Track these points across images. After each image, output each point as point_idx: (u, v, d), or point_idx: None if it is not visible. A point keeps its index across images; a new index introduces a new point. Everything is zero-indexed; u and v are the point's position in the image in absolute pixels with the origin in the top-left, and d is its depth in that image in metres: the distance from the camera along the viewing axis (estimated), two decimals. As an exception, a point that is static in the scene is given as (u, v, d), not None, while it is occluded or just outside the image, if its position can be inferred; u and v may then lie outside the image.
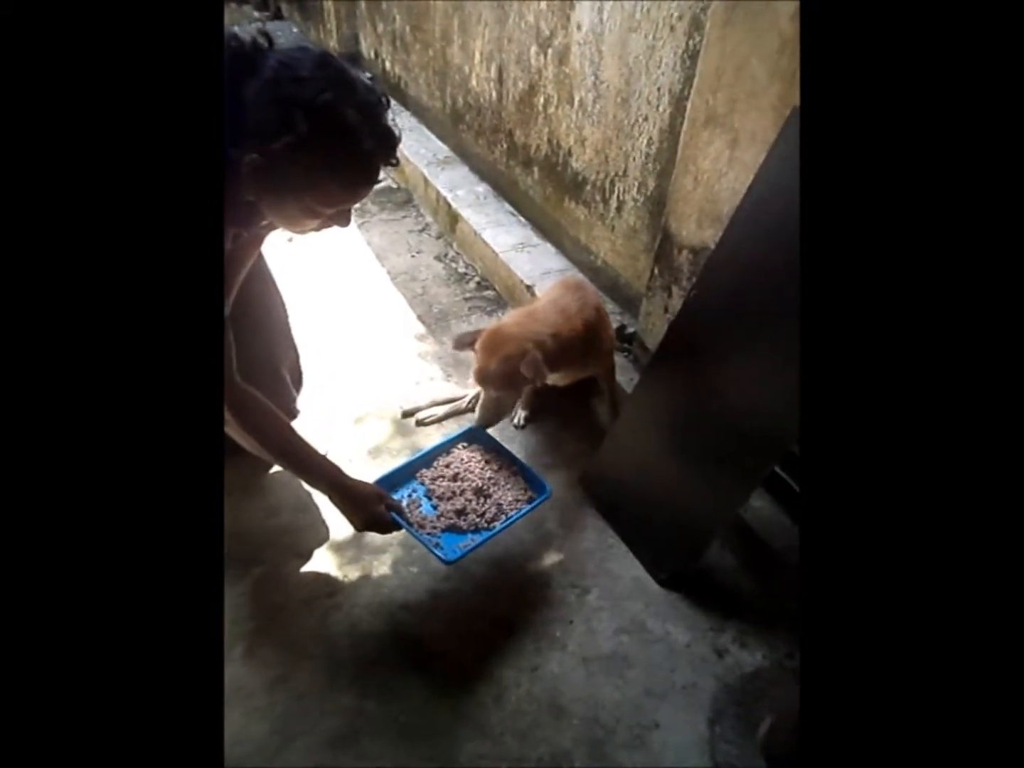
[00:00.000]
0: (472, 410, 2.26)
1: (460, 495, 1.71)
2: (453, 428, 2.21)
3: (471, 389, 2.28)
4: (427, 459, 1.80)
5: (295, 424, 1.70)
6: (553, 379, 2.09)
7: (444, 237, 3.35)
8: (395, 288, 2.93)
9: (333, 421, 2.19)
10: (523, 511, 1.66)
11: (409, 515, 1.64)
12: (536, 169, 2.85)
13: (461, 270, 3.09)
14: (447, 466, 1.78)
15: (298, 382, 2.01)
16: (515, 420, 2.22)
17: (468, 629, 1.63)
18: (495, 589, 1.72)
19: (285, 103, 0.98)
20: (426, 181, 3.49)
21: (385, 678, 1.51)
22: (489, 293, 2.94)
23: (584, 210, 2.60)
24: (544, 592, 1.73)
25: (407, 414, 2.23)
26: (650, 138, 2.15)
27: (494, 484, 1.74)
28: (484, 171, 3.34)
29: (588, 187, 2.54)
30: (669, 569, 1.74)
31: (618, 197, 2.39)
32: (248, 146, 1.00)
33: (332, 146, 1.03)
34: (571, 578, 1.77)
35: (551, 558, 1.82)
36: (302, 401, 2.03)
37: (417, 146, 3.80)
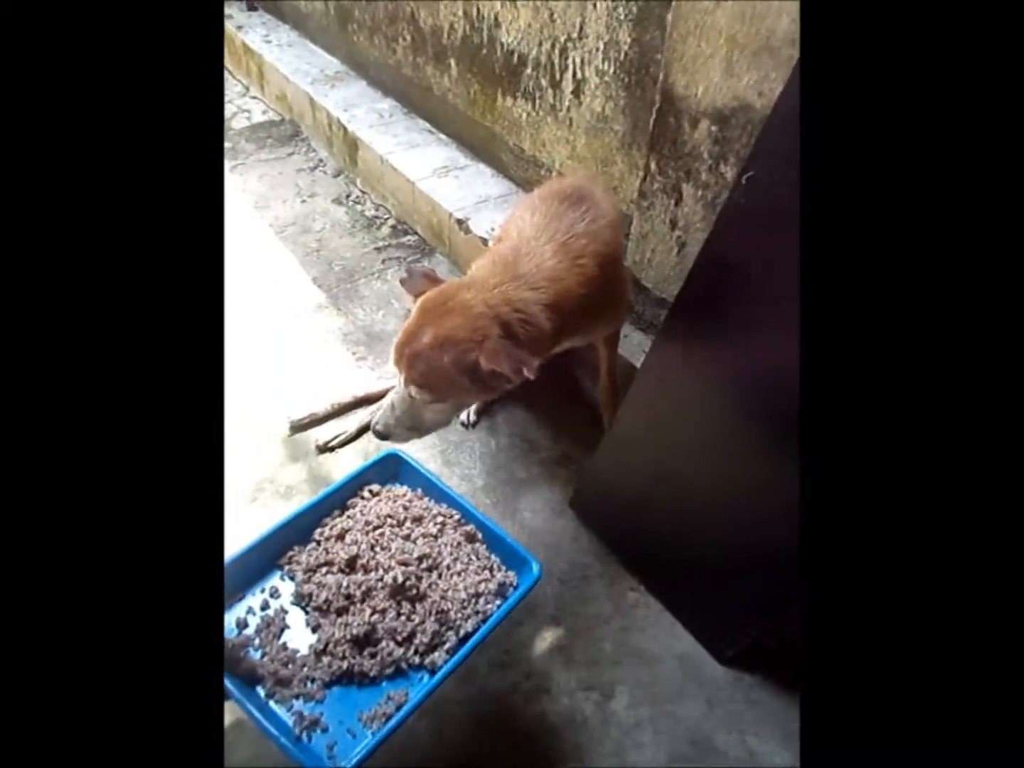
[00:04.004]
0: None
1: (363, 601, 0.90)
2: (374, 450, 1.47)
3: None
4: (301, 524, 0.97)
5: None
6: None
7: (344, 173, 2.54)
8: (282, 244, 2.15)
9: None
10: (493, 619, 0.89)
11: (256, 659, 0.83)
12: (453, 62, 2.09)
13: (369, 213, 2.31)
14: (339, 538, 0.96)
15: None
16: (463, 416, 1.50)
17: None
18: (455, 708, 1.02)
19: None
20: (313, 104, 2.66)
21: None
22: (409, 239, 2.17)
23: (526, 105, 1.85)
24: (537, 705, 1.04)
25: (297, 428, 1.48)
26: (618, -36, 1.40)
27: (430, 570, 0.94)
28: (387, 82, 2.56)
29: (528, 70, 1.80)
30: (740, 639, 1.07)
31: (574, 74, 1.66)
32: None
33: None
34: (579, 674, 1.09)
35: (540, 642, 1.13)
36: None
37: (298, 63, 2.94)
